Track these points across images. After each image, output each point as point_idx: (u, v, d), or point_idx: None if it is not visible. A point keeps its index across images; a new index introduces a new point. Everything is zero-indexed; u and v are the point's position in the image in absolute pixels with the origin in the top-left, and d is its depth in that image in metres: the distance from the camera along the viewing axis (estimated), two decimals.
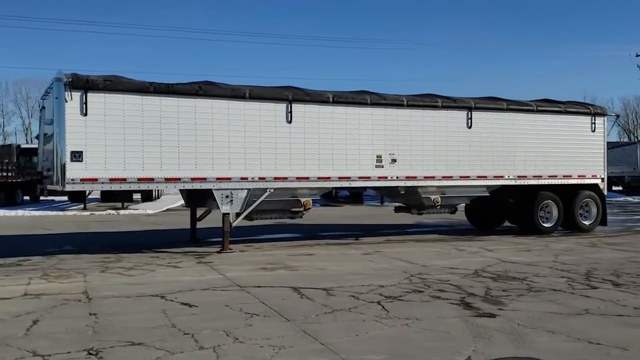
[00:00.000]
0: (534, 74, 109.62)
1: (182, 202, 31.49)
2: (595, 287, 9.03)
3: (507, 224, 17.86)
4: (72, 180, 11.67)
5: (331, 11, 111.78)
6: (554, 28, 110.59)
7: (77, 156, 11.70)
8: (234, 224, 13.16)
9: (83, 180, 11.78)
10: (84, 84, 11.71)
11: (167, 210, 27.83)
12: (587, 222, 16.85)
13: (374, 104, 14.22)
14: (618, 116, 18.52)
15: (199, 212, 15.10)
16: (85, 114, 11.76)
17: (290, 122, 13.41)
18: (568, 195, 16.52)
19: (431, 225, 19.14)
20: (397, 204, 16.65)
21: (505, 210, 17.08)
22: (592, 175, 16.91)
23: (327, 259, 11.97)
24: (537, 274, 10.16)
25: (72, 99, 11.64)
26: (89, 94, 11.76)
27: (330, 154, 13.77)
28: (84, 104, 11.73)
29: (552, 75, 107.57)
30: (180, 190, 14.27)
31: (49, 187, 11.73)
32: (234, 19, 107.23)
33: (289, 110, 13.40)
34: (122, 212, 26.05)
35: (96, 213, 25.33)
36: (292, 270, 10.72)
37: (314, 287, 9.03)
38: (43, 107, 12.18)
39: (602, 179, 17.08)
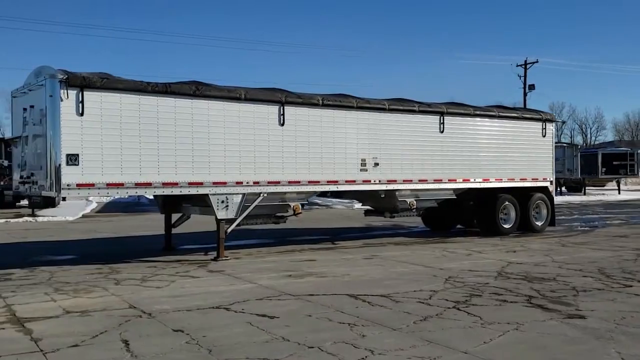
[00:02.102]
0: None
1: (91, 207, 30.21)
2: (629, 285, 9.49)
3: (459, 226, 18.47)
4: (67, 185, 10.74)
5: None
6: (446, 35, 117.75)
7: (73, 159, 10.78)
8: (229, 230, 12.64)
9: (79, 186, 10.87)
10: (80, 82, 10.82)
11: (84, 216, 26.26)
12: (539, 223, 17.69)
13: (359, 108, 14.19)
14: (564, 122, 19.58)
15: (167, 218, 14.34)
16: (82, 114, 10.86)
17: (282, 124, 13.08)
18: (523, 197, 17.27)
19: (388, 228, 19.32)
20: (366, 207, 16.70)
21: (465, 212, 17.59)
22: (543, 178, 17.79)
23: (337, 264, 11.78)
24: (559, 274, 10.52)
25: (67, 97, 10.72)
26: (85, 93, 10.88)
27: (319, 157, 13.58)
28: (80, 103, 10.84)
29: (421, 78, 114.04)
30: (155, 196, 13.44)
31: (44, 193, 10.68)
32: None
33: (282, 112, 13.07)
34: (39, 219, 24.23)
35: (11, 220, 23.42)
36: (320, 277, 10.44)
37: (368, 293, 8.85)
38: (32, 106, 11.06)
39: (551, 182, 18.02)
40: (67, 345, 6.39)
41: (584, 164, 41.19)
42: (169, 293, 9.16)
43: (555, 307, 7.98)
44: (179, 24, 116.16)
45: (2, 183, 24.85)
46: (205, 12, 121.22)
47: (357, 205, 28.41)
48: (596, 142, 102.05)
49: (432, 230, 18.29)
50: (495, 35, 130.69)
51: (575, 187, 42.74)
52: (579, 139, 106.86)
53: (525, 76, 56.30)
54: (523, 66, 56.47)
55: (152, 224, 21.61)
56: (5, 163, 25.37)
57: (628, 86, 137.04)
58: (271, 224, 13.88)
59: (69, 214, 26.23)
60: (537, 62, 56.61)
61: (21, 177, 11.56)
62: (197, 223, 16.00)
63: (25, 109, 11.33)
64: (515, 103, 56.11)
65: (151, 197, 37.17)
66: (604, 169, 41.79)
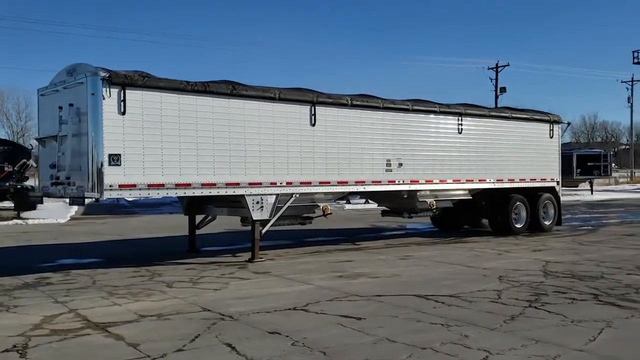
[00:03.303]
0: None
1: (74, 209, 29.50)
2: None
3: (465, 226, 18.63)
4: (110, 186, 10.48)
5: None
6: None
7: (115, 160, 10.52)
8: (263, 231, 12.50)
9: (121, 187, 10.62)
10: (122, 80, 10.56)
11: (72, 218, 25.65)
12: (547, 223, 17.95)
13: (385, 108, 14.19)
14: (569, 124, 19.83)
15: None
16: (123, 113, 10.61)
17: (314, 125, 13.00)
18: (532, 197, 17.51)
19: (395, 228, 19.35)
20: (382, 208, 16.72)
21: (477, 212, 17.75)
22: (551, 179, 18.07)
23: (377, 265, 11.73)
24: (602, 272, 10.66)
25: (110, 95, 10.47)
26: (127, 91, 10.64)
27: (348, 157, 13.53)
28: (122, 102, 10.58)
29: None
30: (180, 197, 13.18)
31: (87, 194, 10.37)
32: None
33: (313, 112, 12.99)
34: (30, 221, 23.57)
35: (1, 223, 22.74)
36: (371, 277, 10.39)
37: (435, 294, 8.84)
38: (71, 104, 10.69)
39: (558, 182, 18.31)
40: (171, 350, 6.22)
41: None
42: (233, 295, 9.01)
43: (627, 305, 8.09)
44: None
45: (7, 184, 23.98)
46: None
47: (348, 207, 28.48)
48: None
49: (441, 231, 18.39)
50: (468, 39, 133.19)
51: None
52: None
53: (496, 79, 57.19)
54: (494, 69, 57.35)
55: (150, 226, 21.33)
56: (34, 164, 24.33)
57: (584, 89, 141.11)
58: (297, 224, 13.78)
59: (56, 216, 25.61)
60: (508, 65, 57.57)
61: (57, 178, 11.18)
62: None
63: (60, 108, 10.99)
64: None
65: (131, 198, 36.39)
66: (578, 170, 42.62)
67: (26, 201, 23.77)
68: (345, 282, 9.95)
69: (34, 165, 24.08)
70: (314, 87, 13.43)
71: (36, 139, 12.29)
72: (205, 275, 10.81)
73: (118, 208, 31.68)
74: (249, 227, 13.75)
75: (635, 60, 52.73)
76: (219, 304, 8.38)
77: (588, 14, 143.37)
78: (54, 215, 26.15)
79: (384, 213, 16.72)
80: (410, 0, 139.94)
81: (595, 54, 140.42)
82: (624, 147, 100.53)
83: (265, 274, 10.88)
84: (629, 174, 64.56)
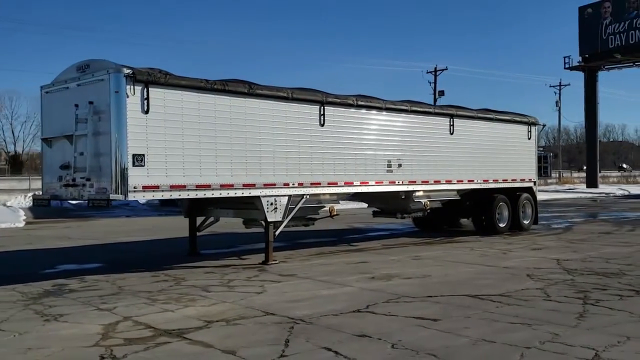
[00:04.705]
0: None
1: (24, 214, 28.19)
2: None
3: (444, 226, 18.88)
4: (134, 188, 10.06)
5: None
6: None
7: (139, 160, 10.11)
8: (277, 233, 12.28)
9: (145, 188, 10.21)
10: (145, 77, 10.16)
11: (27, 222, 24.48)
12: (526, 222, 18.41)
13: (386, 109, 14.22)
14: (544, 125, 20.41)
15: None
16: (147, 112, 10.21)
17: (322, 125, 12.88)
18: (512, 197, 17.92)
19: (375, 229, 19.38)
20: (373, 209, 16.73)
21: (459, 213, 18.02)
22: (529, 179, 18.57)
23: (394, 266, 11.71)
24: (619, 269, 10.99)
25: (134, 94, 10.05)
26: (150, 89, 10.24)
27: (353, 158, 13.48)
28: (145, 100, 10.18)
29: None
30: (182, 199, 12.76)
31: (112, 196, 9.86)
32: None
33: (322, 112, 12.87)
34: None
35: None
36: (403, 278, 10.34)
37: (486, 294, 8.88)
38: (91, 102, 10.15)
39: (535, 182, 18.83)
40: (273, 356, 6.03)
41: None
42: (281, 298, 8.80)
43: None
44: None
45: None
46: None
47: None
48: None
49: (422, 231, 18.55)
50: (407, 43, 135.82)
51: None
52: None
53: (435, 82, 58.33)
54: (433, 73, 58.48)
55: (119, 230, 20.68)
56: None
57: (516, 93, 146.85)
58: (301, 226, 13.62)
59: (8, 221, 24.38)
60: (446, 69, 58.82)
61: (73, 179, 10.59)
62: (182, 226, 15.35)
63: (76, 106, 10.46)
64: None
65: (74, 201, 35.09)
66: None
67: None
68: (383, 283, 9.87)
69: None
70: None
71: (42, 139, 11.62)
72: (230, 278, 10.53)
73: (66, 211, 30.38)
74: (251, 229, 13.62)
75: (567, 66, 54.88)
76: (275, 307, 8.16)
77: (523, 22, 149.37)
78: (4, 219, 24.95)
79: (375, 214, 16.74)
80: (346, 7, 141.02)
81: (528, 59, 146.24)
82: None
83: (292, 276, 10.69)
84: (558, 175, 67.03)
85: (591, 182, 53.85)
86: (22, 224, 23.25)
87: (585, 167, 56.25)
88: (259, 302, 8.50)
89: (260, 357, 6.01)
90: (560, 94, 71.60)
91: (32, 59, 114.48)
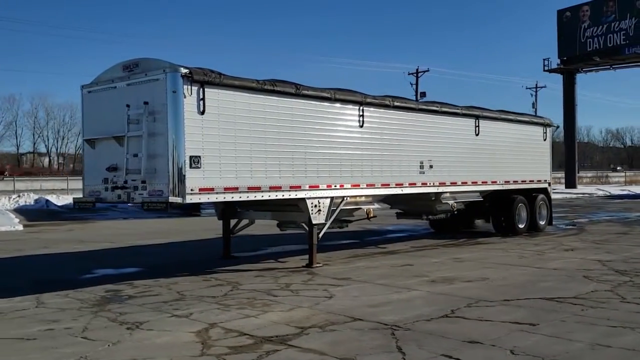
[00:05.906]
0: None
1: (17, 218, 27.48)
2: None
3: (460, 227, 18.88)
4: (191, 190, 9.81)
5: None
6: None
7: (195, 162, 9.87)
8: (320, 235, 12.11)
9: (201, 190, 9.97)
10: (201, 77, 9.91)
11: (25, 226, 23.83)
12: (542, 223, 18.52)
13: (419, 110, 14.16)
14: (558, 127, 20.55)
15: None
16: (203, 112, 9.97)
17: (361, 126, 12.76)
18: (530, 198, 18.01)
19: (391, 231, 19.30)
20: (397, 210, 16.63)
21: (476, 214, 18.02)
22: (544, 180, 18.68)
23: (447, 269, 11.60)
24: None
25: (190, 94, 9.80)
26: (206, 89, 10.00)
27: (389, 159, 13.37)
28: (201, 101, 9.95)
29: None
30: (215, 202, 12.44)
31: (172, 199, 9.57)
32: None
33: (361, 113, 12.74)
34: None
35: None
36: (466, 281, 10.20)
37: (558, 296, 8.84)
38: (146, 102, 9.83)
39: (549, 183, 18.96)
40: None
41: None
42: (357, 302, 8.64)
43: None
44: None
45: None
46: None
47: None
48: None
49: (437, 232, 18.53)
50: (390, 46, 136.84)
51: None
52: None
53: (417, 84, 58.59)
54: (415, 74, 58.71)
55: (128, 232, 20.28)
56: None
57: (495, 94, 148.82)
58: (337, 228, 13.49)
59: (4, 224, 23.74)
60: (428, 70, 59.12)
61: (125, 182, 10.28)
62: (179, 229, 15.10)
63: (128, 106, 10.16)
64: None
65: (59, 203, 34.32)
66: None
67: None
68: (447, 287, 9.75)
69: None
70: None
71: (84, 140, 11.27)
72: (286, 282, 10.34)
73: (55, 214, 29.75)
74: (286, 232, 13.43)
75: (546, 68, 55.62)
76: (358, 312, 8.00)
77: (502, 25, 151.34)
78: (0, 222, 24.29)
79: (399, 215, 16.65)
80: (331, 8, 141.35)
81: (507, 62, 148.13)
82: None
83: (347, 279, 10.53)
84: None
85: (570, 183, 54.63)
86: (20, 227, 22.61)
87: (563, 168, 56.95)
88: (338, 307, 8.33)
89: None
90: (536, 96, 72.58)
91: None
